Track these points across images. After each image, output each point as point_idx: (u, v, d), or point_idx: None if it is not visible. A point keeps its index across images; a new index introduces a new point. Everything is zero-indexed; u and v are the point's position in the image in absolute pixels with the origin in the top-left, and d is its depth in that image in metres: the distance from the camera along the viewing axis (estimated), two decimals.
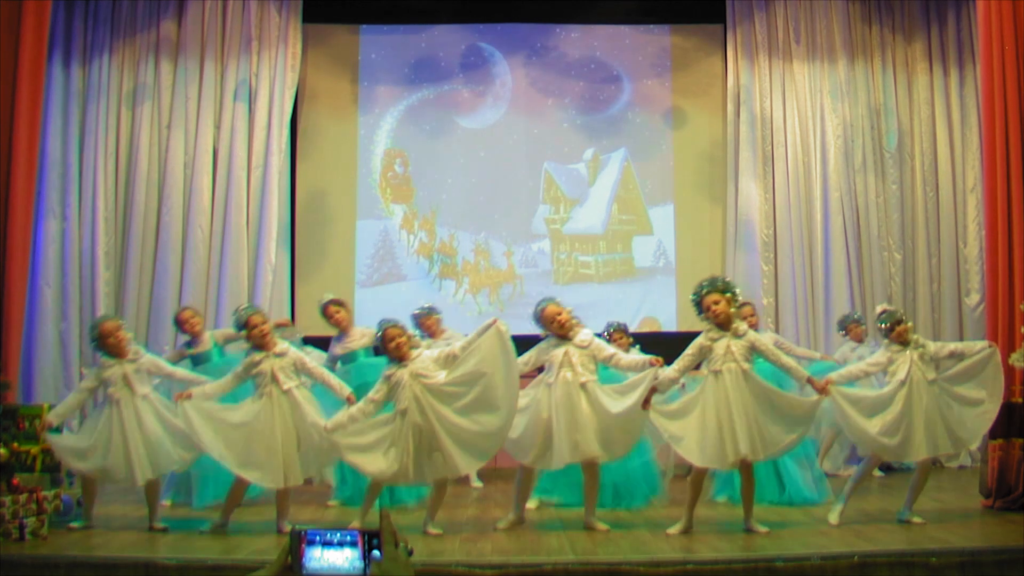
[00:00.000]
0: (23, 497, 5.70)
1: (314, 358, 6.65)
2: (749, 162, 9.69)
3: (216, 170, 9.48)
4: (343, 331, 7.43)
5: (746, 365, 5.75)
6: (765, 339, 6.15)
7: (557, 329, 6.06)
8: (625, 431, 5.95)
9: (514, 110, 10.09)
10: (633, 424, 5.93)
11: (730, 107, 9.82)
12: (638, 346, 6.97)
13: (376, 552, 2.12)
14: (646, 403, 5.78)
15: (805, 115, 9.76)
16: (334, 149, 9.97)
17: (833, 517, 5.99)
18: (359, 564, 2.12)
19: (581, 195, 10.04)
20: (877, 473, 7.81)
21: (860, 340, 8.39)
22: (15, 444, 6.26)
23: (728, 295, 5.83)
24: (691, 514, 5.80)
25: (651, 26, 10.20)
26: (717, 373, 5.75)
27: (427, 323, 7.81)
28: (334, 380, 6.20)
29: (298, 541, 2.14)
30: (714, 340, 5.79)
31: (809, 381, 5.92)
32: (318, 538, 2.14)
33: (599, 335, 6.52)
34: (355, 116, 10.03)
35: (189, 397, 5.90)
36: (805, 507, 6.63)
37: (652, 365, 5.84)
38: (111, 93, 9.45)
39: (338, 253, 9.85)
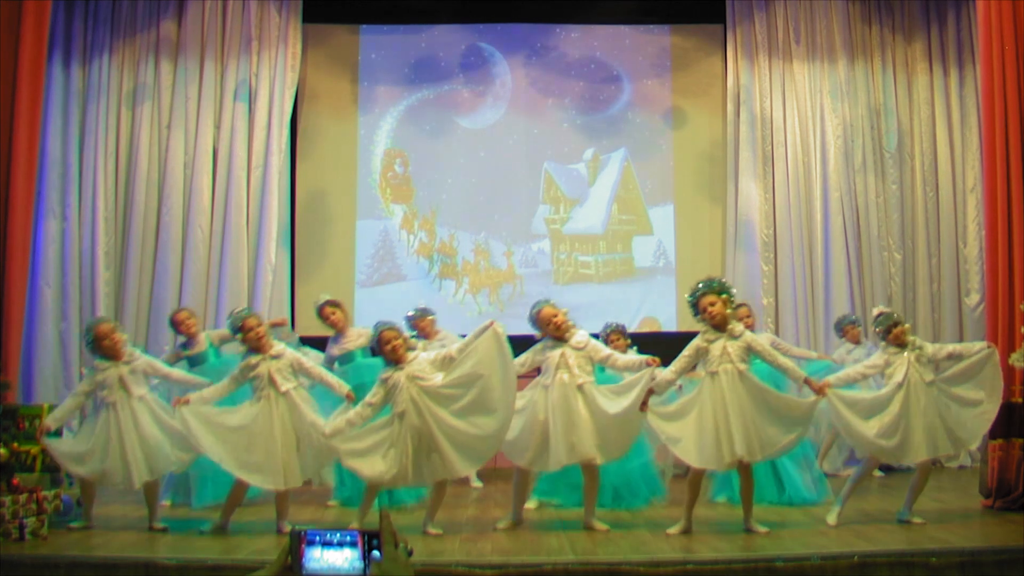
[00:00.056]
0: (23, 497, 5.70)
1: (312, 358, 6.65)
2: (749, 162, 9.69)
3: (216, 170, 9.48)
4: (339, 332, 7.44)
5: (742, 366, 5.75)
6: (762, 340, 6.15)
7: (553, 331, 6.06)
8: (622, 432, 5.94)
9: (514, 110, 10.09)
10: (630, 425, 5.92)
11: (730, 107, 9.82)
12: (635, 347, 6.96)
13: (376, 552, 2.12)
14: (643, 405, 5.78)
15: (805, 115, 9.76)
16: (334, 149, 9.97)
17: (831, 518, 5.98)
18: (359, 564, 2.12)
19: (581, 195, 10.04)
20: (877, 473, 7.80)
21: (857, 341, 8.40)
22: (15, 444, 6.26)
23: (724, 296, 5.82)
24: (690, 515, 5.80)
25: (651, 26, 10.20)
26: (714, 374, 5.75)
27: (421, 324, 7.81)
28: (332, 379, 6.20)
29: (298, 541, 2.14)
30: (710, 342, 5.79)
31: (806, 382, 5.92)
32: (318, 538, 2.14)
33: (595, 335, 6.53)
34: (355, 116, 10.04)
35: (187, 403, 5.90)
36: (805, 507, 6.63)
37: (649, 365, 5.85)
38: (111, 93, 9.45)
39: (338, 253, 9.85)
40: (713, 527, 5.96)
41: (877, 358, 6.14)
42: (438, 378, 5.77)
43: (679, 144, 10.09)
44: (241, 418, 5.91)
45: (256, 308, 9.03)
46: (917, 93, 9.84)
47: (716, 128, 10.00)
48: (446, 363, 5.80)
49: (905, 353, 6.00)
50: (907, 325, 6.13)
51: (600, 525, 5.92)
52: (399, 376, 5.75)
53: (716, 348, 5.76)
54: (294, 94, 9.63)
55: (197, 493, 6.88)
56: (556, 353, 6.01)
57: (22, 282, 7.57)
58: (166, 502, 6.94)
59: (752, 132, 9.72)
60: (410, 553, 2.17)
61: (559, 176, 10.05)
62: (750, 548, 5.39)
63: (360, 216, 9.93)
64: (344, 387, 6.07)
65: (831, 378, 6.05)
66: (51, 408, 6.59)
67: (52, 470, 6.58)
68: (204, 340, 7.45)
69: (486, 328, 5.75)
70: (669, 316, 9.81)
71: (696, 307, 5.86)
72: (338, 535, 2.15)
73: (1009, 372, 6.42)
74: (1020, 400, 6.47)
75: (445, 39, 10.11)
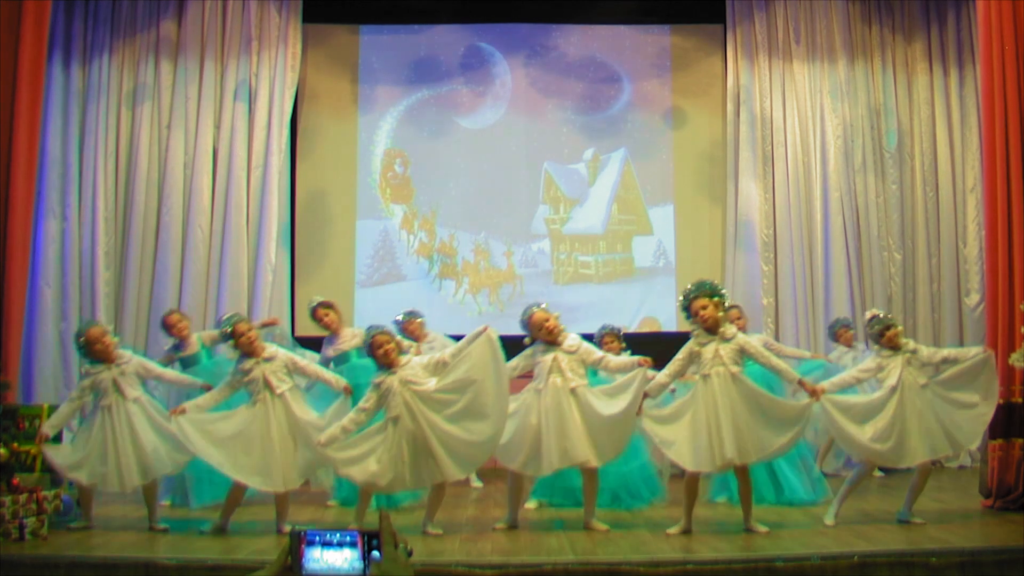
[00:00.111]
0: (23, 497, 5.71)
1: (308, 359, 6.66)
2: (749, 162, 9.69)
3: (216, 170, 9.47)
4: (334, 333, 7.47)
5: (735, 369, 5.74)
6: (754, 341, 6.13)
7: (545, 335, 6.05)
8: (617, 432, 5.94)
9: (514, 110, 10.09)
10: (624, 426, 5.91)
11: (730, 107, 9.82)
12: (629, 351, 6.92)
13: (376, 553, 2.12)
14: (638, 409, 5.78)
15: (805, 115, 9.76)
16: (334, 149, 9.97)
17: (828, 519, 5.99)
18: (359, 565, 2.12)
19: (581, 195, 10.04)
20: (877, 473, 7.80)
21: (850, 344, 8.39)
22: (15, 444, 6.25)
23: (716, 299, 5.81)
24: (689, 516, 5.80)
25: (651, 26, 10.19)
26: (706, 377, 5.75)
27: (410, 327, 7.81)
28: (329, 375, 6.22)
29: (298, 542, 2.14)
30: (703, 344, 5.79)
31: (800, 383, 5.91)
32: (318, 539, 2.14)
33: (589, 337, 6.53)
34: (355, 116, 10.03)
35: (183, 412, 5.90)
36: (804, 507, 6.63)
37: (640, 365, 5.84)
38: (111, 93, 9.44)
39: (338, 253, 9.85)
40: (713, 527, 5.97)
41: (871, 362, 6.13)
42: (431, 382, 5.77)
43: (679, 144, 10.08)
44: (237, 423, 5.93)
45: (256, 308, 9.05)
46: (917, 93, 9.84)
47: (716, 128, 10.00)
48: (439, 367, 5.80)
49: (899, 356, 5.99)
50: (900, 328, 6.13)
51: (600, 525, 5.92)
52: (392, 381, 5.74)
53: (708, 351, 5.76)
54: (294, 94, 9.62)
55: (195, 494, 6.90)
56: (548, 357, 6.00)
57: (22, 282, 7.56)
58: (166, 503, 6.96)
59: (752, 132, 9.72)
60: (410, 553, 2.17)
61: (559, 176, 10.04)
62: (750, 548, 5.40)
63: (360, 216, 9.93)
64: (341, 381, 6.10)
65: (825, 383, 6.03)
66: (51, 408, 6.59)
67: (52, 470, 6.57)
68: (196, 342, 7.46)
69: (480, 333, 5.76)
70: (669, 316, 9.79)
71: (688, 310, 5.86)
72: (338, 535, 2.14)
73: (1009, 372, 6.42)
74: (1020, 400, 6.47)
75: (445, 39, 10.11)
